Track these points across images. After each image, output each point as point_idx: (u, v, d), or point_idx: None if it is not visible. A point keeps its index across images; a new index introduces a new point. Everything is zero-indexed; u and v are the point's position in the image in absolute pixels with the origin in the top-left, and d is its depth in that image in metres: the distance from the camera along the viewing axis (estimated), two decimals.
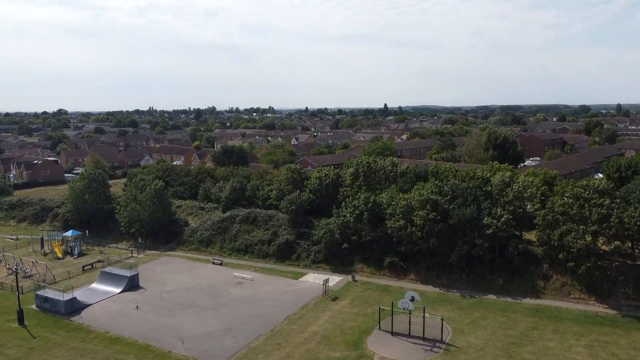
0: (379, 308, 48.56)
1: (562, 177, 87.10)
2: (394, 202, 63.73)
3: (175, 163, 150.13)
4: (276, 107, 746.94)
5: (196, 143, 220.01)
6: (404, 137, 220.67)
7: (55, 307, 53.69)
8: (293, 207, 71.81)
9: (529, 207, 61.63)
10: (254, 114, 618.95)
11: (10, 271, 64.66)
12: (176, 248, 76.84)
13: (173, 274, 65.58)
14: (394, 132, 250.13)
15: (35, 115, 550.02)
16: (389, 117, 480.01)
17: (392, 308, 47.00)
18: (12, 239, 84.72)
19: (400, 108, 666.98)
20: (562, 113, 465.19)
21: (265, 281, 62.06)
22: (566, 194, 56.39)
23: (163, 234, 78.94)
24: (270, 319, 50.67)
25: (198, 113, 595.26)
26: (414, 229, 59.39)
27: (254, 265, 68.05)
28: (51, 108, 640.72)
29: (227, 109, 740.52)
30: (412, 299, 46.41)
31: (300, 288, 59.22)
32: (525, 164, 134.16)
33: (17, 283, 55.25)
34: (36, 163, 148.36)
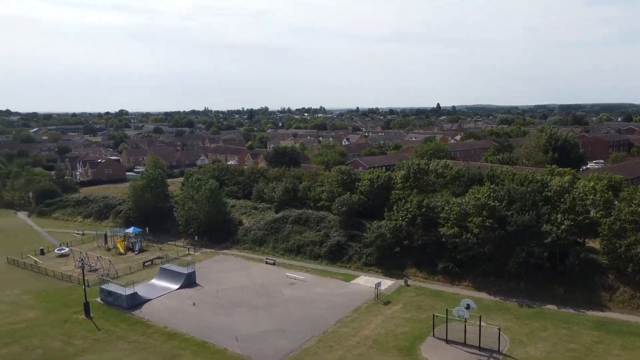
0: (433, 314, 47.76)
1: (628, 182, 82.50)
2: (447, 207, 62.49)
3: (229, 163, 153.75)
4: (327, 107, 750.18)
5: (249, 143, 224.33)
6: (458, 137, 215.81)
7: (118, 301, 56.23)
8: (344, 209, 71.88)
9: (592, 213, 58.70)
10: (305, 114, 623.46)
11: (78, 265, 68.28)
12: (231, 247, 78.68)
13: (228, 272, 67.19)
14: (446, 133, 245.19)
15: (99, 115, 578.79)
16: (442, 117, 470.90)
17: (446, 315, 46.12)
18: (78, 234, 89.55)
19: (453, 108, 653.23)
20: (627, 112, 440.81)
21: (317, 282, 62.46)
22: (635, 201, 53.35)
23: (218, 232, 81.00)
24: (322, 321, 50.95)
25: (251, 113, 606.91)
26: (469, 235, 57.98)
27: (305, 266, 68.63)
28: (113, 109, 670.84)
29: (279, 109, 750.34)
30: (468, 307, 45.34)
31: (351, 291, 59.19)
32: (588, 166, 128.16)
33: (83, 277, 58.39)
34: (100, 162, 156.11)
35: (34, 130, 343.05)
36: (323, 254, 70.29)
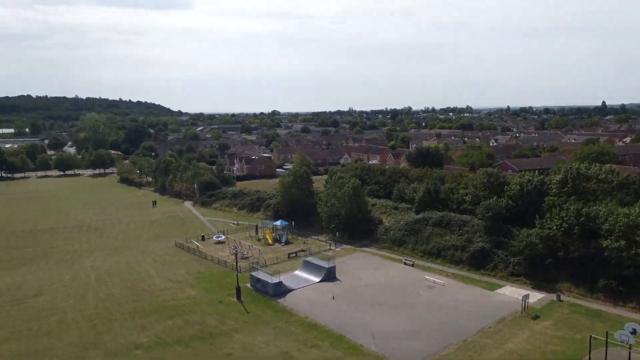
0: (590, 336, 43.03)
1: None
2: (611, 218, 55.72)
3: (371, 162, 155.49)
4: (474, 106, 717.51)
5: (392, 143, 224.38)
6: (627, 140, 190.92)
7: (265, 288, 60.46)
8: (490, 214, 68.22)
9: None
10: (450, 114, 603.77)
11: (232, 252, 74.90)
12: (370, 245, 79.65)
13: (366, 269, 68.17)
14: (613, 134, 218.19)
15: (254, 115, 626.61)
16: (608, 117, 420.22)
17: (606, 339, 41.25)
18: (233, 224, 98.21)
19: (622, 106, 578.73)
20: None
21: (457, 288, 60.31)
22: None
23: (358, 230, 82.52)
24: (461, 329, 49.08)
25: (394, 113, 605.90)
26: (638, 250, 51.04)
27: (445, 270, 66.68)
28: (267, 109, 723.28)
29: (423, 109, 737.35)
30: (634, 332, 40.01)
31: (495, 300, 56.00)
32: None
33: (236, 263, 63.97)
34: (254, 158, 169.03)
35: (200, 128, 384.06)
36: (465, 260, 67.59)
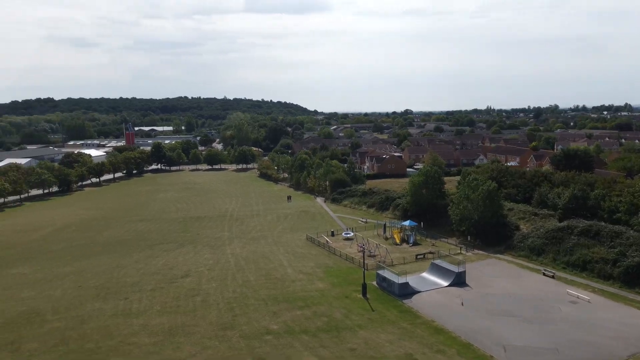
0: None
1: None
2: None
3: (509, 164, 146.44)
4: (634, 103, 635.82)
5: (534, 144, 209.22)
6: None
7: (391, 288, 60.31)
8: None
9: None
10: (604, 112, 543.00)
11: (360, 249, 76.07)
12: (504, 252, 75.15)
13: (499, 277, 64.46)
14: None
15: (387, 115, 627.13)
16: None
17: None
18: (362, 221, 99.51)
19: None
20: None
21: (604, 306, 54.22)
22: None
23: (492, 235, 78.30)
24: (608, 351, 44.08)
25: (538, 112, 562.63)
26: None
27: (591, 285, 60.31)
28: (399, 108, 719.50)
29: (572, 107, 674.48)
30: None
31: None
32: None
33: (363, 260, 64.82)
34: (384, 157, 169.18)
35: (334, 127, 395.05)
36: (616, 275, 60.46)
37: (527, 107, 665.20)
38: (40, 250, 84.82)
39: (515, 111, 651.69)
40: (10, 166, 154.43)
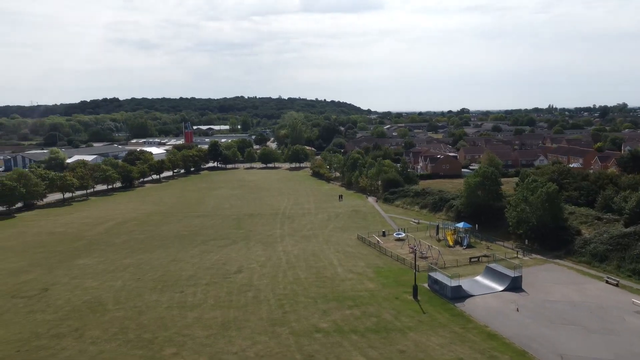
0: None
1: None
2: None
3: (571, 165, 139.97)
4: None
5: (599, 145, 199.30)
6: None
7: (443, 291, 59.09)
8: None
9: None
10: None
11: (411, 250, 75.06)
12: (564, 257, 71.87)
13: (557, 284, 61.71)
14: None
15: (442, 114, 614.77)
16: None
17: None
18: (414, 222, 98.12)
19: None
20: None
21: None
22: None
23: (551, 239, 75.08)
24: None
25: (604, 111, 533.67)
26: None
27: None
28: (455, 107, 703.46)
29: None
30: None
31: None
32: None
33: (415, 262, 63.85)
34: (439, 157, 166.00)
35: (387, 127, 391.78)
36: None
37: (592, 106, 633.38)
38: (103, 243, 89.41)
39: (579, 110, 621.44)
40: (78, 163, 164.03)
